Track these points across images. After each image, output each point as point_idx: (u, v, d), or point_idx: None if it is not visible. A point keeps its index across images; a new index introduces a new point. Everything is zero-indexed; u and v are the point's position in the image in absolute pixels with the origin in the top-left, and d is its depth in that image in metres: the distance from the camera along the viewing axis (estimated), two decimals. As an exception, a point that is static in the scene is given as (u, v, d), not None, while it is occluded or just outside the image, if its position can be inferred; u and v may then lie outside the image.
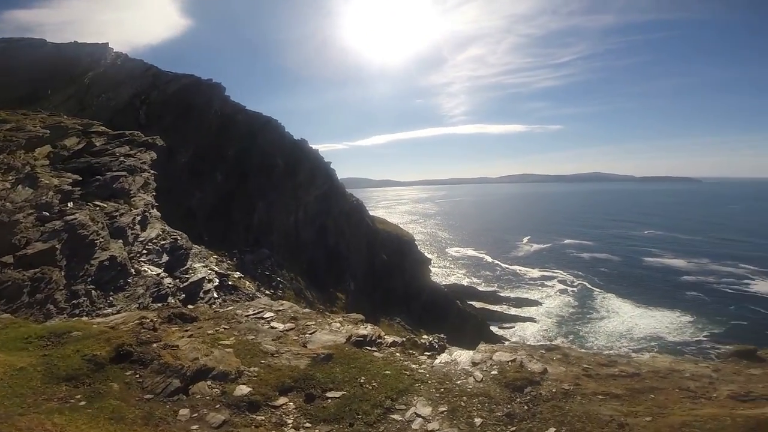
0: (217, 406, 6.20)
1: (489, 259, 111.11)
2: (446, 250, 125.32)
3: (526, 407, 6.19)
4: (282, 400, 6.40)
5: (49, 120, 22.04)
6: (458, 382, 6.94)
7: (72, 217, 14.88)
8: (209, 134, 44.90)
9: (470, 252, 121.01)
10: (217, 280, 25.13)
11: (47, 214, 14.48)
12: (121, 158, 21.34)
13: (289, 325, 9.12)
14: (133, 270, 17.64)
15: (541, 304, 75.22)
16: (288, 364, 7.37)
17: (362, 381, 6.76)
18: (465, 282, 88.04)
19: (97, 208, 17.54)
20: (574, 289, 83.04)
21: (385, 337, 8.94)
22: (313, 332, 8.77)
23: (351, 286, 49.53)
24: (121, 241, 17.52)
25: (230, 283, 26.59)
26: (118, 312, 14.20)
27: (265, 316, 9.60)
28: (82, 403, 5.71)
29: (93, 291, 15.53)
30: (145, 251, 19.65)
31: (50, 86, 39.23)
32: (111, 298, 16.36)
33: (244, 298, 24.98)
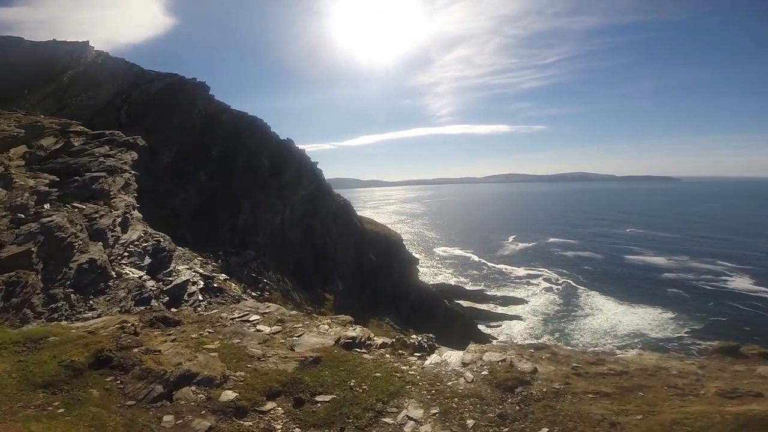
0: (203, 412, 6.02)
1: (476, 258, 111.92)
2: (434, 249, 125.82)
3: (517, 407, 6.15)
4: (270, 405, 6.24)
5: (24, 119, 21.29)
6: (449, 383, 6.88)
7: (49, 219, 14.34)
8: (193, 134, 44.11)
9: (457, 251, 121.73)
10: (202, 283, 24.62)
11: (22, 216, 13.93)
12: (101, 158, 20.70)
13: (275, 328, 8.93)
14: (114, 273, 17.13)
15: (527, 302, 76.04)
16: (275, 367, 7.19)
17: (352, 384, 6.63)
18: (452, 281, 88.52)
19: (76, 210, 16.98)
20: (559, 287, 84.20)
21: (375, 338, 8.83)
22: (301, 335, 8.60)
23: (339, 287, 49.23)
24: (101, 243, 16.98)
25: (215, 285, 26.09)
26: (99, 316, 13.76)
27: (250, 318, 9.39)
28: (61, 410, 5.53)
29: (72, 295, 15.01)
30: (126, 254, 19.09)
31: (27, 85, 38.02)
32: (91, 302, 15.85)
33: (230, 300, 24.55)
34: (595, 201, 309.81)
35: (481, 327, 62.44)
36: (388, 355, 8.07)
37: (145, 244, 20.34)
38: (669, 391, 6.84)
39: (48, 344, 7.33)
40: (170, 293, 19.91)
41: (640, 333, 59.20)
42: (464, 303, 71.94)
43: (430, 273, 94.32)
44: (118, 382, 6.42)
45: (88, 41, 45.88)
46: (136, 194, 22.53)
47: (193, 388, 6.52)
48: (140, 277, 18.48)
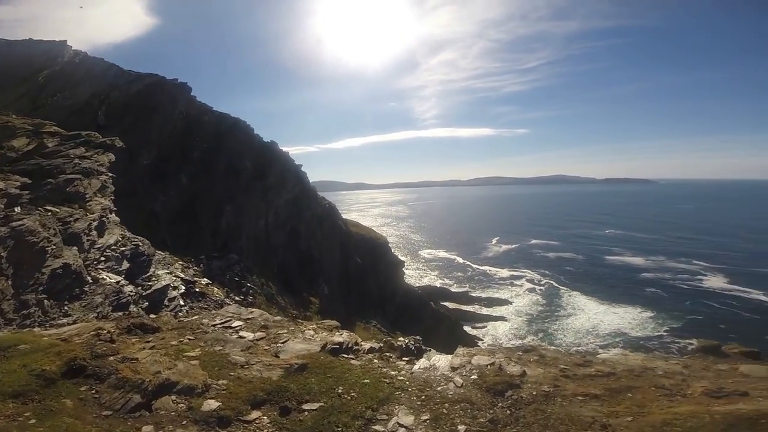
0: (184, 422, 5.76)
1: (460, 260, 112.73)
2: (419, 252, 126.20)
3: (508, 412, 6.07)
4: (255, 414, 6.00)
5: (-6, 119, 20.43)
6: (439, 388, 6.75)
7: (19, 222, 13.72)
8: (174, 135, 43.13)
9: (442, 253, 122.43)
10: (183, 287, 23.98)
11: (-9, 219, 13.29)
12: (76, 160, 19.96)
13: (259, 334, 8.67)
14: (89, 278, 16.51)
15: (511, 303, 76.89)
16: (259, 375, 6.95)
17: (340, 391, 6.44)
18: (438, 283, 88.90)
19: (49, 213, 16.29)
20: (542, 287, 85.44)
21: (362, 343, 8.64)
22: (286, 341, 8.36)
23: (325, 290, 48.78)
24: (75, 248, 16.34)
25: (197, 290, 25.46)
26: (75, 322, 13.25)
27: (233, 325, 9.10)
28: (32, 421, 5.26)
29: (45, 301, 14.40)
30: (103, 258, 18.44)
31: (0, 85, 36.65)
32: (66, 308, 15.25)
33: (213, 305, 24.00)
34: (576, 203, 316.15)
35: (467, 328, 62.78)
36: (376, 361, 7.90)
37: (123, 249, 19.70)
38: (657, 391, 6.86)
39: (18, 352, 7.03)
40: (150, 298, 19.33)
41: (621, 332, 60.43)
42: (450, 305, 72.30)
43: (415, 275, 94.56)
44: (94, 391, 6.15)
45: (65, 40, 44.58)
46: (113, 197, 21.83)
47: (174, 397, 6.26)
48: (118, 282, 17.88)
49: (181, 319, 10.50)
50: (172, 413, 5.91)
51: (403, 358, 8.16)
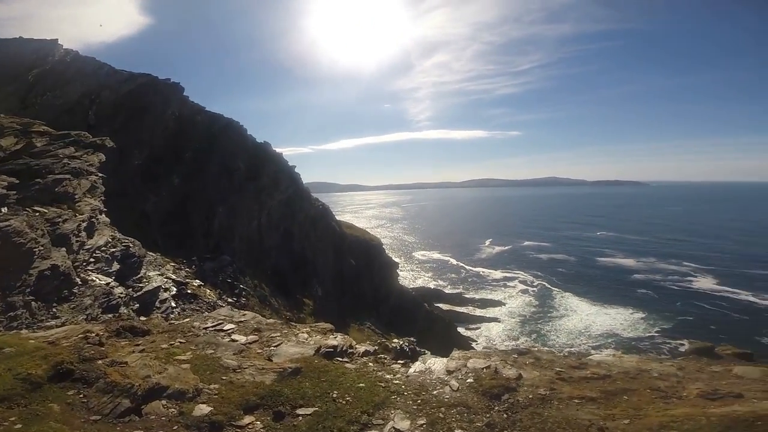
0: (175, 427, 5.64)
1: (454, 261, 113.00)
2: (413, 253, 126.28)
3: (505, 415, 6.01)
4: (248, 419, 5.88)
5: (-20, 117, 20.02)
6: (435, 392, 6.67)
7: (5, 223, 13.42)
8: (166, 136, 42.69)
9: (436, 255, 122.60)
10: (175, 289, 23.70)
11: (-24, 220, 12.99)
12: (65, 160, 19.60)
13: (252, 338, 8.52)
14: (78, 280, 16.21)
15: (504, 304, 77.15)
16: (252, 379, 6.82)
17: (335, 395, 6.33)
18: (432, 285, 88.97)
19: (37, 214, 15.98)
20: (535, 289, 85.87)
21: (357, 346, 8.54)
22: (279, 344, 8.23)
23: (318, 292, 48.53)
24: (64, 249, 16.03)
25: (189, 291, 25.17)
26: (63, 324, 13.00)
27: (225, 328, 8.94)
28: (18, 425, 5.13)
29: (33, 302, 14.10)
30: (92, 259, 18.13)
31: (-14, 83, 36.04)
32: (54, 310, 14.95)
33: (205, 306, 23.76)
34: (567, 205, 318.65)
35: (461, 329, 62.84)
36: (371, 364, 7.80)
37: (113, 250, 19.40)
38: (652, 393, 6.86)
39: (3, 356, 6.84)
40: (140, 300, 19.05)
41: (613, 333, 60.87)
42: (443, 306, 72.37)
43: (409, 277, 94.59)
44: (81, 396, 6.01)
45: (56, 39, 43.84)
46: (103, 198, 21.50)
47: (164, 402, 6.13)
48: (108, 284, 17.59)
49: (172, 321, 10.33)
50: (163, 418, 5.78)
51: (398, 361, 8.06)
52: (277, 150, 54.34)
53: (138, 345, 7.92)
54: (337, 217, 65.92)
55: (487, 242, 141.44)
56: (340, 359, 7.78)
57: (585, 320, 66.59)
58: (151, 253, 24.82)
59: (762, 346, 51.30)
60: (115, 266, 19.04)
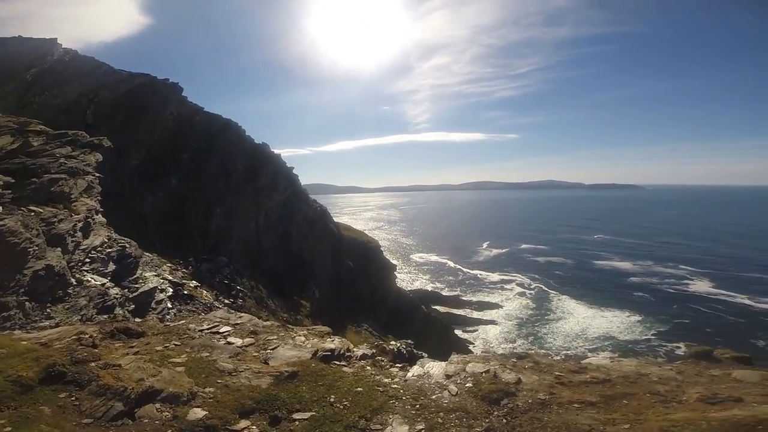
0: (169, 431, 5.52)
1: (451, 264, 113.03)
2: (411, 256, 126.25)
3: (504, 421, 5.94)
4: (243, 423, 5.78)
5: (-24, 116, 19.86)
6: (433, 396, 6.60)
7: (0, 223, 13.29)
8: (164, 136, 42.51)
9: (434, 257, 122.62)
10: (171, 290, 23.51)
11: (-30, 219, 12.85)
12: (62, 159, 19.44)
13: (248, 340, 8.42)
14: (73, 280, 16.04)
15: (501, 307, 77.16)
16: (248, 383, 6.72)
17: (332, 400, 6.25)
18: (429, 287, 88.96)
19: (32, 214, 15.82)
20: (532, 291, 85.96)
21: (355, 349, 8.45)
22: (276, 347, 8.13)
23: (316, 294, 48.36)
24: (59, 249, 15.87)
25: (186, 292, 25.01)
26: (57, 325, 12.86)
27: (221, 330, 8.83)
28: (8, 428, 5.04)
29: (27, 303, 13.94)
30: (88, 260, 17.96)
31: (-16, 83, 35.81)
32: (48, 310, 14.78)
33: (202, 308, 23.60)
34: (564, 208, 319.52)
35: (458, 332, 62.77)
36: (369, 368, 7.71)
37: (109, 250, 19.23)
38: (652, 398, 6.81)
39: (-7, 357, 6.70)
40: (136, 301, 18.89)
41: (610, 336, 60.94)
42: (441, 308, 72.32)
43: (407, 279, 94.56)
44: (73, 398, 5.90)
45: (56, 38, 43.64)
46: (100, 198, 21.34)
47: (158, 405, 6.02)
48: (103, 285, 17.43)
49: (168, 323, 10.22)
50: (156, 422, 5.67)
51: (396, 365, 7.98)
52: (276, 151, 54.23)
53: (132, 347, 7.81)
54: (335, 219, 65.82)
55: (485, 245, 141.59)
56: (338, 363, 7.68)
57: (582, 323, 66.66)
58: (147, 254, 24.65)
59: (758, 349, 51.48)
60: (111, 267, 18.87)
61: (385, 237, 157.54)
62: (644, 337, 59.79)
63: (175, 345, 8.03)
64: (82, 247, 17.68)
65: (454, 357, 8.16)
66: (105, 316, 15.79)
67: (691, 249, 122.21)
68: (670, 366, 8.82)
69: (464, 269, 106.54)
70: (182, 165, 42.38)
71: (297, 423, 5.75)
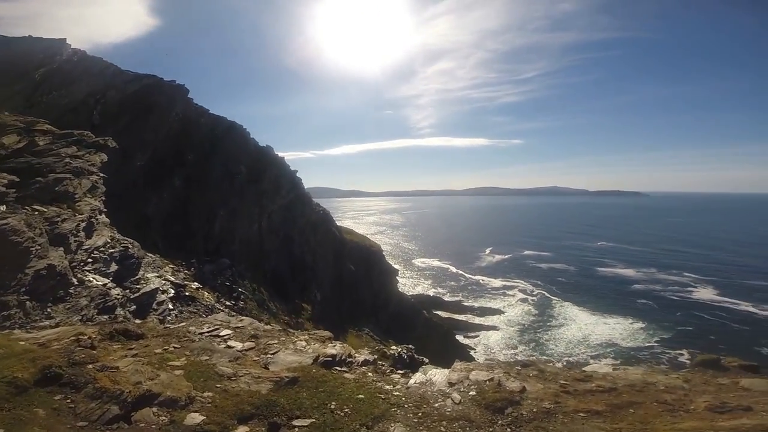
0: (165, 436, 5.44)
1: (453, 269, 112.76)
2: (413, 260, 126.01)
3: (509, 430, 5.81)
4: (242, 429, 5.68)
5: (-17, 116, 19.95)
6: (436, 404, 6.47)
7: (3, 221, 13.27)
8: (169, 137, 42.68)
9: (436, 263, 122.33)
10: (173, 291, 23.47)
11: (-27, 218, 12.85)
12: (67, 159, 19.50)
13: (248, 344, 8.32)
14: (75, 280, 16.02)
15: (503, 312, 76.77)
16: (247, 388, 6.62)
17: (333, 407, 6.13)
18: (431, 292, 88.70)
19: (36, 213, 15.84)
20: (534, 298, 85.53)
21: (356, 355, 8.33)
22: (276, 352, 8.03)
23: (317, 297, 48.23)
24: (62, 248, 15.86)
25: (187, 294, 24.95)
26: (57, 325, 12.81)
27: (221, 333, 8.74)
28: (0, 430, 4.97)
29: (27, 302, 13.91)
30: (90, 260, 17.95)
31: (-3, 82, 36.12)
32: (49, 310, 14.75)
33: (203, 309, 23.54)
34: (568, 215, 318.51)
35: (459, 337, 62.43)
36: (370, 374, 7.59)
37: (112, 251, 19.22)
38: (659, 407, 6.66)
39: (-11, 358, 6.64)
40: (137, 302, 18.84)
41: (613, 343, 60.46)
42: (442, 314, 72.02)
43: (409, 284, 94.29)
44: (69, 401, 5.84)
45: (65, 38, 44.05)
46: (104, 198, 21.37)
47: (155, 409, 5.93)
48: (105, 285, 17.40)
49: (168, 325, 10.14)
50: (153, 426, 5.59)
51: (398, 371, 7.86)
52: (279, 154, 54.33)
53: (131, 349, 7.74)
54: (338, 223, 65.78)
55: (488, 250, 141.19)
56: (339, 369, 7.57)
57: (584, 330, 66.21)
58: (150, 255, 24.65)
59: (763, 357, 50.94)
60: (113, 267, 18.86)
61: (388, 241, 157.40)
62: (647, 345, 59.30)
63: (175, 348, 7.95)
64: (85, 247, 17.68)
65: (458, 364, 8.02)
66: (106, 317, 15.75)
67: (695, 256, 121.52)
68: (677, 374, 8.65)
69: (466, 275, 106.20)
70: (186, 166, 42.51)
71: (297, 430, 5.64)
